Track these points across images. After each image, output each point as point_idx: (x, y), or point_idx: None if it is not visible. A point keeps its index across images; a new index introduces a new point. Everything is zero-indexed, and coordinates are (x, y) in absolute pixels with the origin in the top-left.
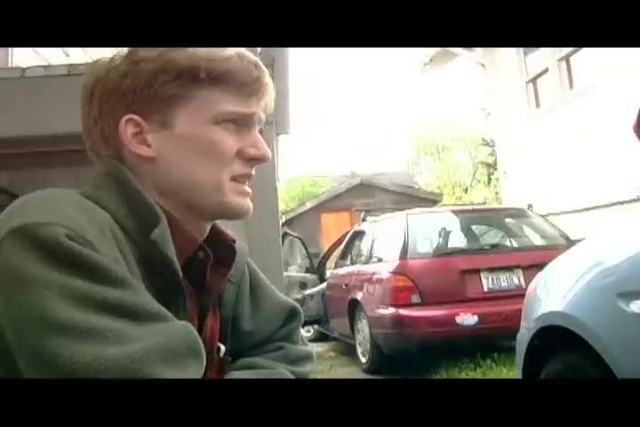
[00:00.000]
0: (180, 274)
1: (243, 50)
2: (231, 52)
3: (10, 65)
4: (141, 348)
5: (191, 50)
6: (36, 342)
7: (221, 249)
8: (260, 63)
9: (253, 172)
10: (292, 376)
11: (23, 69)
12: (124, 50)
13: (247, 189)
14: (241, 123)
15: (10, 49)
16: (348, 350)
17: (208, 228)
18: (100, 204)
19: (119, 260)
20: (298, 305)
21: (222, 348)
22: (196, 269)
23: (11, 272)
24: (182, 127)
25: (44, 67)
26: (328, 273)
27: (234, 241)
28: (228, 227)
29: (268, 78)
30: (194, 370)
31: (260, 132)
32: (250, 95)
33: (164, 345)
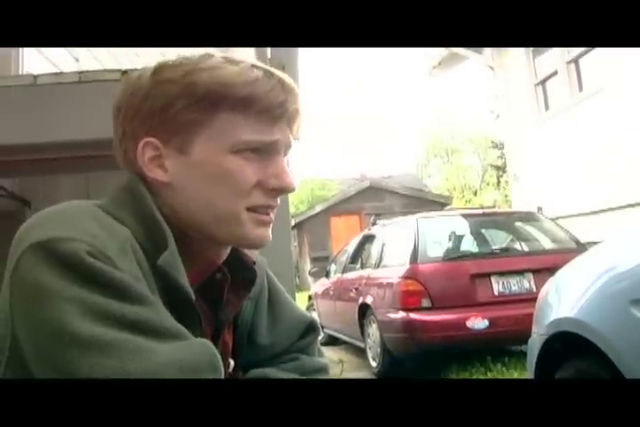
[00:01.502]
0: (193, 297)
1: (272, 70)
2: (258, 73)
3: (21, 72)
4: (162, 364)
5: (218, 73)
6: (56, 357)
7: (241, 271)
8: (290, 84)
9: (277, 202)
10: None
11: (34, 77)
12: (152, 65)
13: (268, 218)
14: (263, 151)
15: (21, 56)
16: (359, 354)
17: (227, 251)
18: (117, 219)
19: (139, 277)
20: (315, 319)
21: (232, 363)
22: (213, 290)
23: (31, 287)
24: (199, 154)
25: (55, 74)
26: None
27: (254, 263)
28: None
29: (296, 102)
30: None
31: (285, 155)
32: (273, 121)
33: (185, 362)
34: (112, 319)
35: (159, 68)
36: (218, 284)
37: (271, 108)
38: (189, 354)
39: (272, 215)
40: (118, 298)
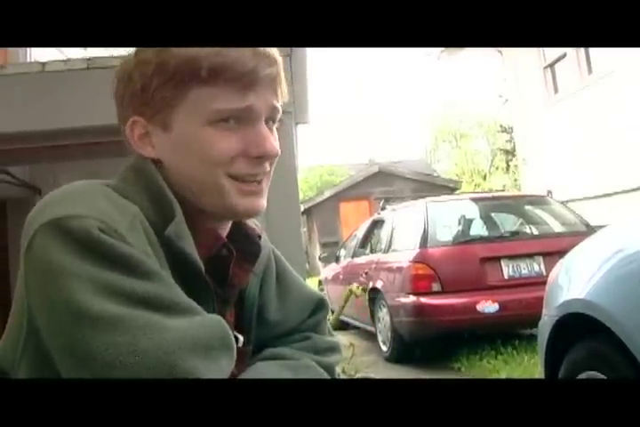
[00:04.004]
0: (202, 267)
1: None
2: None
3: (28, 60)
4: (175, 340)
5: (186, 49)
6: (70, 334)
7: (246, 245)
8: (264, 50)
9: (263, 169)
10: (317, 367)
11: (43, 64)
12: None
13: (256, 188)
14: (241, 120)
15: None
16: (369, 339)
17: (228, 225)
18: (125, 196)
19: (149, 253)
20: (325, 296)
21: (240, 338)
22: (219, 264)
23: (44, 264)
24: (179, 130)
25: (64, 61)
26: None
27: (259, 237)
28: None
29: (270, 66)
30: (226, 363)
31: (273, 121)
32: (244, 88)
33: (198, 338)
34: (123, 296)
35: (138, 51)
36: (223, 260)
37: (240, 76)
38: (202, 331)
39: (263, 185)
40: (129, 274)
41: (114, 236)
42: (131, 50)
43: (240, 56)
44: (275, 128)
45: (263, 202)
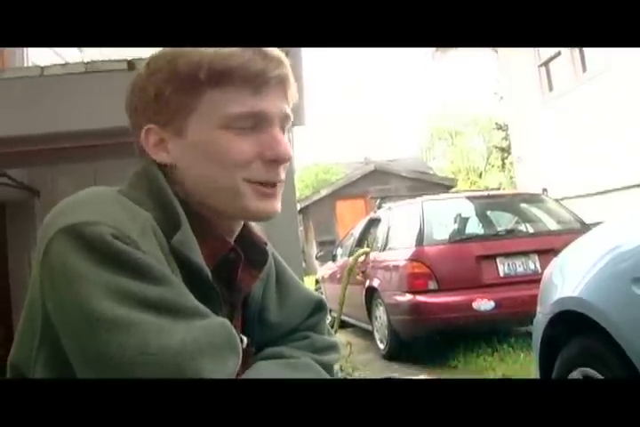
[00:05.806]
0: (209, 274)
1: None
2: (233, 48)
3: (26, 64)
4: (182, 342)
5: (196, 55)
6: (84, 337)
7: (253, 251)
8: (273, 52)
9: (278, 173)
10: (316, 365)
11: (42, 68)
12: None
13: (271, 190)
14: (255, 124)
15: (26, 48)
16: (366, 337)
17: (238, 228)
18: (136, 203)
19: (160, 258)
20: (323, 297)
21: (245, 340)
22: (227, 270)
23: (60, 270)
24: (193, 136)
25: (62, 65)
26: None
27: (266, 243)
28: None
29: (279, 68)
30: (232, 363)
31: (284, 127)
32: (255, 91)
33: (206, 340)
34: (135, 300)
35: (150, 61)
36: (231, 263)
37: (250, 78)
38: (210, 333)
39: (277, 189)
40: (141, 279)
41: (127, 242)
42: (127, 50)
43: (249, 58)
44: (287, 133)
45: (278, 205)
